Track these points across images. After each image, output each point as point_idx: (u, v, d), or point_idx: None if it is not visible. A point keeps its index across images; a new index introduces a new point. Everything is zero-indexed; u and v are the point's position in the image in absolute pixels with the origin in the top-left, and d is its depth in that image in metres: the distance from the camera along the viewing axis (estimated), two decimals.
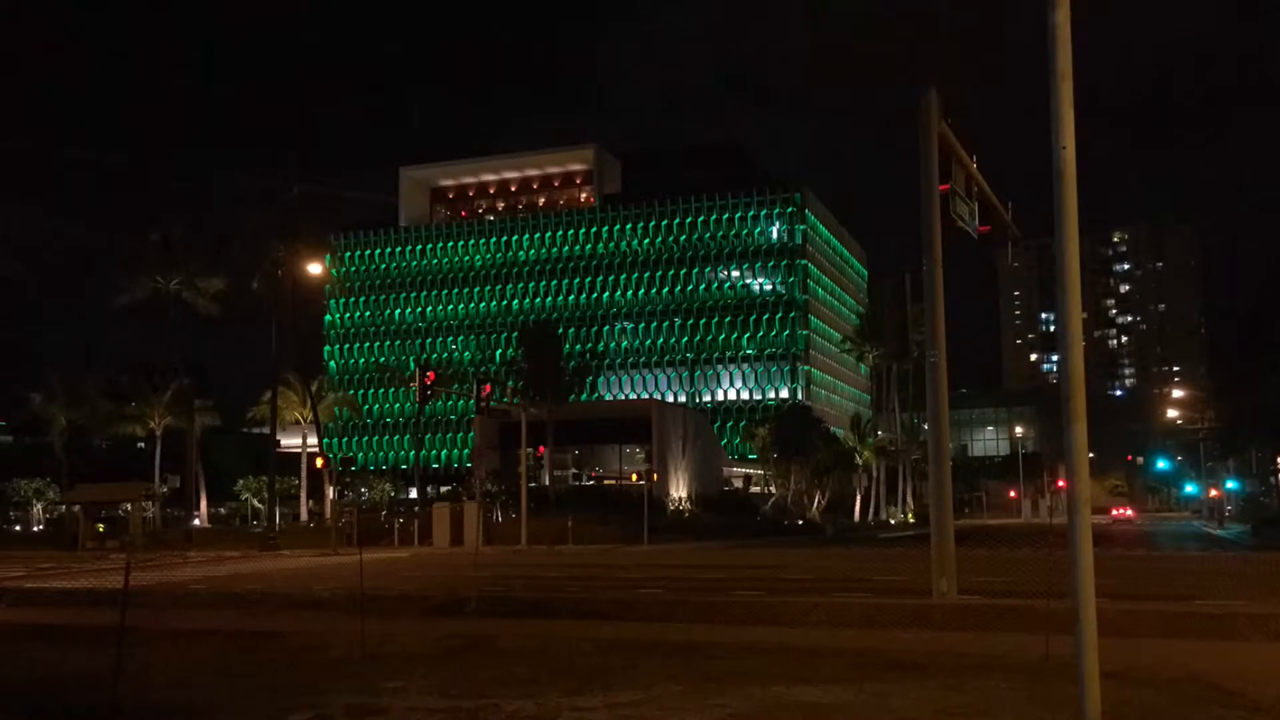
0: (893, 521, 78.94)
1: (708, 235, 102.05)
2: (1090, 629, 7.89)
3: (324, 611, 19.11)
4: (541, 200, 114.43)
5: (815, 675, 11.46)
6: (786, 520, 66.79)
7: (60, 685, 11.77)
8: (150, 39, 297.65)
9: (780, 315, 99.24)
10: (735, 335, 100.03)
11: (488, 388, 54.99)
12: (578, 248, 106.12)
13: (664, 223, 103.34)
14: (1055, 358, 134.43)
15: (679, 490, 67.75)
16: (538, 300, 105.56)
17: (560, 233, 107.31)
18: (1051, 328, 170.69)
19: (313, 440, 66.29)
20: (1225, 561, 32.39)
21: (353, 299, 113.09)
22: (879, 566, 28.85)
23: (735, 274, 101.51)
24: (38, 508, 64.22)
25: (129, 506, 52.23)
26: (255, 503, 66.73)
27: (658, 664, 12.39)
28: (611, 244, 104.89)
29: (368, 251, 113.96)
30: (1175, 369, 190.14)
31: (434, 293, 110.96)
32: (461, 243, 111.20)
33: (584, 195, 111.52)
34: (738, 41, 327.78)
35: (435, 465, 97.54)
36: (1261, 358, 70.29)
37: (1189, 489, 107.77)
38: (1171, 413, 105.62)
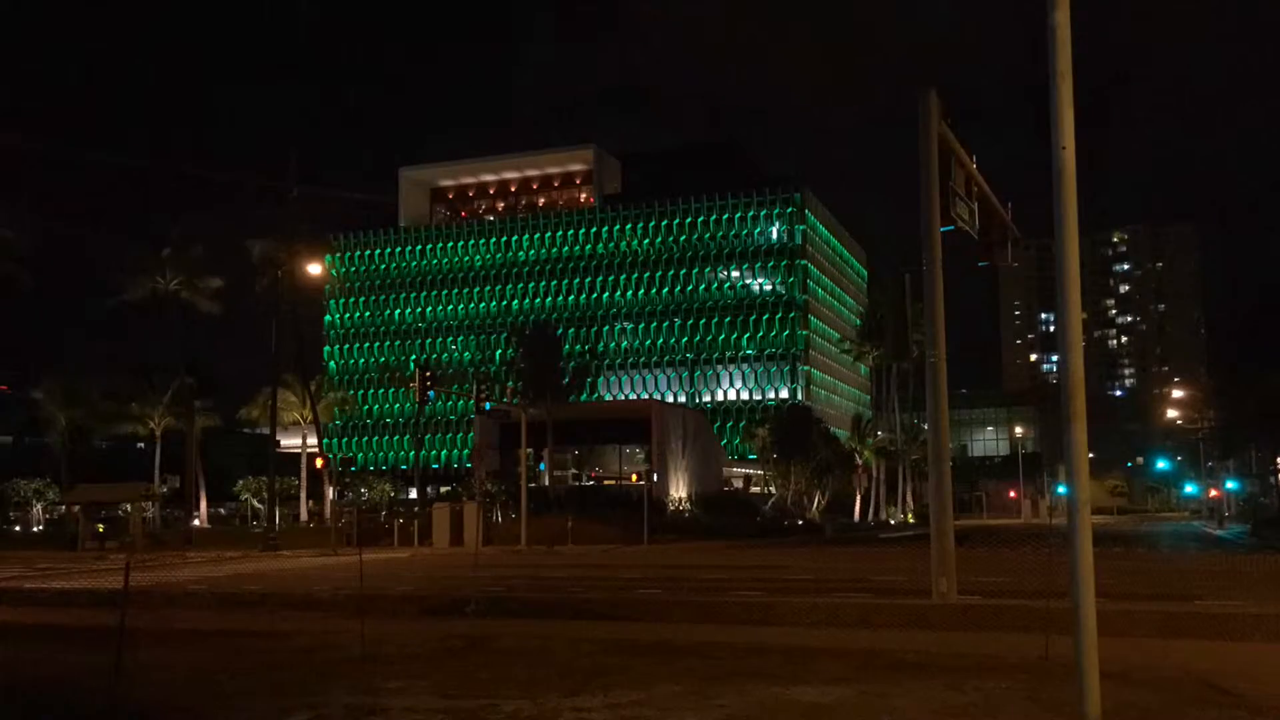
0: (893, 521, 78.89)
1: (708, 235, 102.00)
2: (1090, 629, 7.90)
3: (324, 612, 19.12)
4: (541, 200, 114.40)
5: (815, 675, 11.47)
6: (786, 520, 66.74)
7: (60, 685, 11.77)
8: (149, 38, 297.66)
9: (780, 315, 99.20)
10: (735, 335, 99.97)
11: (484, 387, 55.08)
12: (578, 248, 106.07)
13: (664, 223, 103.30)
14: (1055, 358, 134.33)
15: (679, 490, 67.73)
16: (538, 300, 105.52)
17: (560, 233, 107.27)
18: (1051, 328, 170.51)
19: (313, 440, 66.30)
20: (1225, 561, 32.40)
21: (353, 299, 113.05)
22: (879, 566, 28.84)
23: (735, 274, 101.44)
24: (38, 508, 64.19)
25: (129, 507, 52.22)
26: (255, 503, 66.72)
27: (658, 664, 12.39)
28: (611, 244, 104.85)
29: (368, 252, 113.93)
30: (1175, 369, 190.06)
31: (434, 293, 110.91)
32: (461, 243, 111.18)
33: (584, 195, 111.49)
34: (736, 41, 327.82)
35: (435, 465, 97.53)
36: (1261, 357, 70.29)
37: (1189, 489, 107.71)
38: (1171, 413, 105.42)
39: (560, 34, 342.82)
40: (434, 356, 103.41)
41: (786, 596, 19.15)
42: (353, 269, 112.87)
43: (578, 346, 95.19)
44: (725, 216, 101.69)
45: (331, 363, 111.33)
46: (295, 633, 15.91)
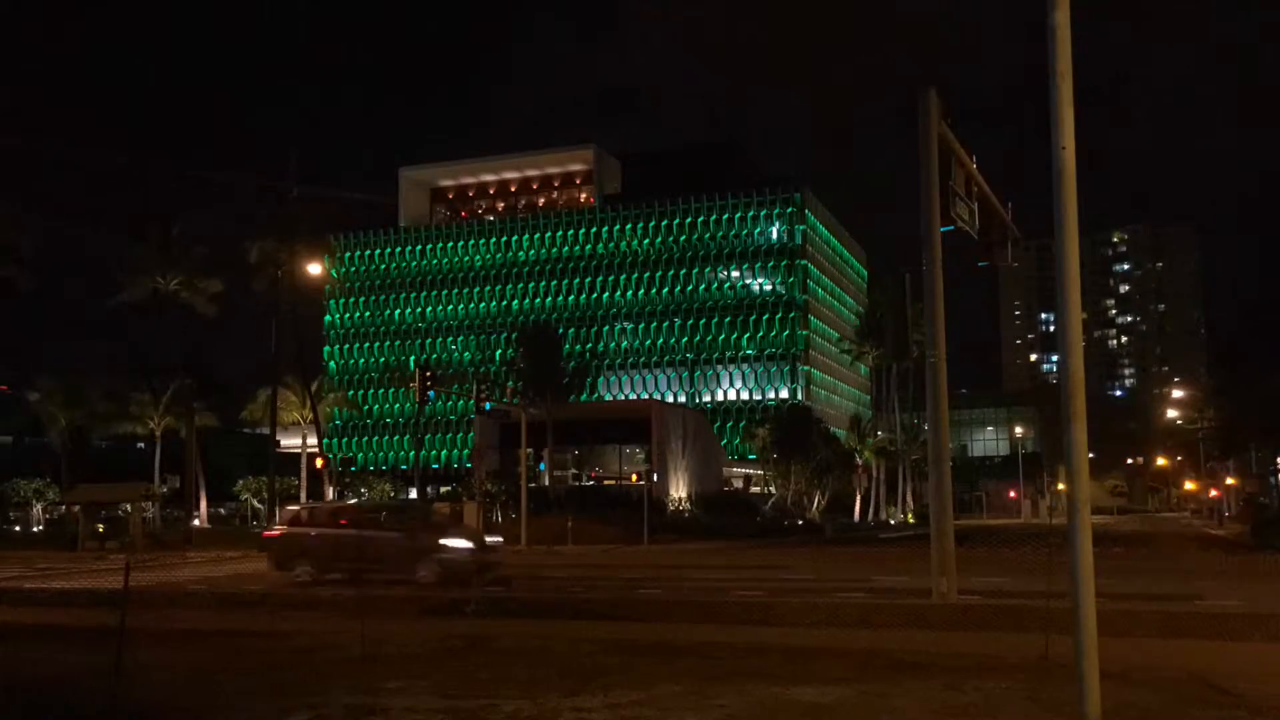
0: (893, 521, 78.91)
1: (708, 235, 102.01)
2: (1090, 629, 7.89)
3: (324, 612, 19.10)
4: (541, 200, 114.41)
5: (815, 675, 11.46)
6: (786, 520, 66.73)
7: (60, 685, 11.76)
8: (149, 38, 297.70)
9: (780, 315, 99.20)
10: (735, 335, 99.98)
11: (484, 387, 55.08)
12: (578, 248, 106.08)
13: (664, 223, 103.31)
14: (1055, 358, 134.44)
15: (679, 490, 67.73)
16: (538, 300, 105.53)
17: (560, 233, 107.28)
18: (1051, 328, 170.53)
19: (313, 440, 66.27)
20: (1225, 561, 32.41)
21: (353, 299, 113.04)
22: (879, 567, 28.86)
23: (735, 274, 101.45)
24: (37, 508, 64.14)
25: (129, 507, 52.15)
26: (255, 503, 66.71)
27: (658, 664, 12.38)
28: (611, 244, 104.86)
29: (368, 251, 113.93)
30: (1175, 369, 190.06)
31: (434, 293, 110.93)
32: (461, 243, 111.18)
33: (584, 195, 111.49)
34: (736, 41, 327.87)
35: (435, 465, 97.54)
36: (1261, 358, 70.26)
37: (1189, 489, 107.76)
38: (1171, 413, 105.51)
39: (560, 34, 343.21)
40: (434, 356, 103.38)
41: (786, 596, 19.16)
42: (353, 269, 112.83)
43: (578, 346, 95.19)
44: (725, 216, 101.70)
45: (331, 363, 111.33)
46: (295, 633, 15.90)
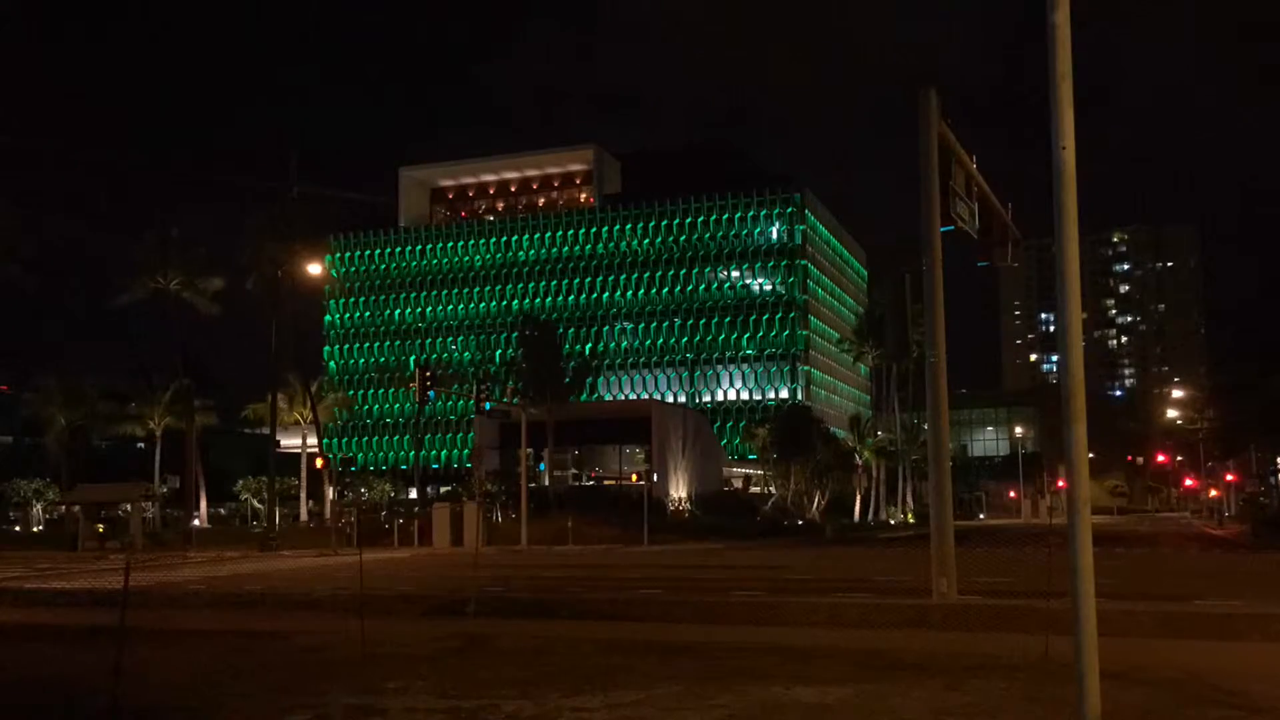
0: (893, 521, 78.91)
1: (708, 235, 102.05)
2: (1090, 629, 7.88)
3: (324, 612, 19.11)
4: (541, 200, 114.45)
5: (815, 675, 11.46)
6: (786, 520, 66.75)
7: (60, 685, 11.76)
8: (149, 37, 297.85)
9: (780, 315, 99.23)
10: (735, 335, 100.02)
11: (484, 387, 55.10)
12: (578, 248, 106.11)
13: (664, 223, 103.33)
14: (1055, 358, 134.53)
15: (679, 490, 67.74)
16: (538, 300, 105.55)
17: (560, 233, 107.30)
18: (1051, 328, 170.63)
19: (313, 440, 66.29)
20: (1225, 561, 32.42)
21: (353, 299, 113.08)
22: (879, 567, 28.87)
23: (735, 274, 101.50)
24: (37, 508, 64.15)
25: (129, 507, 52.23)
26: (255, 503, 66.73)
27: (657, 664, 12.38)
28: (611, 244, 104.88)
29: (367, 251, 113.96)
30: (1175, 369, 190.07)
31: (434, 293, 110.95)
32: (461, 243, 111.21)
33: (584, 195, 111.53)
34: (735, 40, 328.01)
35: (435, 465, 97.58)
36: (1262, 357, 70.27)
37: (1188, 488, 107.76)
38: (1171, 413, 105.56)
39: (560, 34, 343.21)
40: (434, 356, 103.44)
41: (786, 596, 19.15)
42: (353, 269, 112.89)
43: (578, 346, 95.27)
44: (725, 216, 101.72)
45: (331, 363, 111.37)
46: (295, 633, 15.90)
